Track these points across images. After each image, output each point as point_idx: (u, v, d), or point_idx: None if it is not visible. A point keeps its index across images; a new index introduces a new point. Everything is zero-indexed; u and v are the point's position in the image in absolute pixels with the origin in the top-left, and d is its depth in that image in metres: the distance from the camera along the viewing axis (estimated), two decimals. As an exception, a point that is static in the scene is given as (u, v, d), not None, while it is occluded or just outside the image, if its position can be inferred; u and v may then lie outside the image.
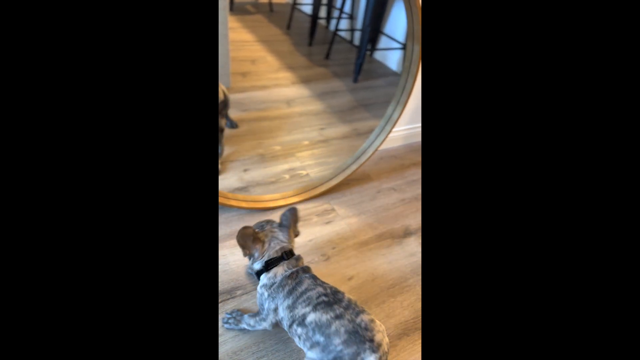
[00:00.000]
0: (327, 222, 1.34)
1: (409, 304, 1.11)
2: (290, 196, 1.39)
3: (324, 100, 2.11)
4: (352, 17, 3.05)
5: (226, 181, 1.44)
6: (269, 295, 0.85)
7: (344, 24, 3.24)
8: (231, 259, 1.15)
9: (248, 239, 0.85)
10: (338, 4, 3.10)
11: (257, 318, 0.90)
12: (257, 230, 0.88)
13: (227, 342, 0.95)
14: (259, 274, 0.88)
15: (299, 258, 0.88)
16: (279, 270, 0.85)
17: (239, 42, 2.80)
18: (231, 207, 1.28)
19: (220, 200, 1.24)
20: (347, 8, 3.11)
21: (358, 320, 0.75)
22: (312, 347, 0.78)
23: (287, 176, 1.52)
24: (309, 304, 0.79)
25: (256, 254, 0.87)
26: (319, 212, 1.38)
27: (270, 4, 3.72)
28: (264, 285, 0.86)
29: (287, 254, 0.87)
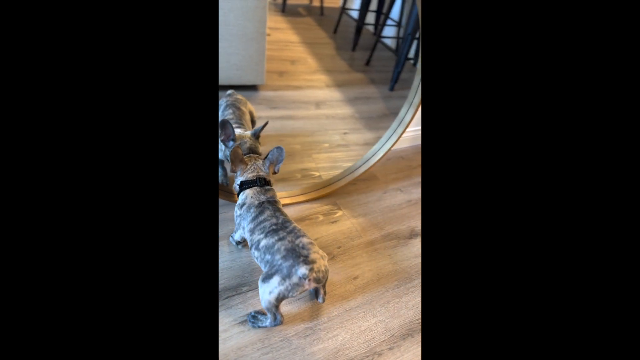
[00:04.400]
0: (333, 222, 1.36)
1: (414, 305, 1.11)
2: (298, 195, 1.41)
3: (354, 105, 2.12)
4: (399, 24, 3.03)
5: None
6: (240, 214, 1.04)
7: (391, 31, 3.23)
8: (237, 256, 1.17)
9: (238, 157, 1.04)
10: (385, 10, 3.09)
11: (236, 232, 1.12)
12: (245, 155, 1.09)
13: (232, 337, 0.96)
14: (239, 194, 1.07)
15: (269, 189, 1.05)
16: (249, 193, 1.03)
17: (284, 43, 2.85)
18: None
19: (227, 197, 1.28)
20: (396, 15, 3.10)
21: (297, 241, 0.92)
22: (265, 264, 0.94)
23: (299, 175, 1.54)
24: (262, 232, 0.96)
25: (239, 172, 1.07)
26: (325, 212, 1.40)
27: (322, 8, 3.77)
28: (238, 205, 1.06)
29: (261, 181, 1.05)
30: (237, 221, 1.06)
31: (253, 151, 1.21)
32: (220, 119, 1.40)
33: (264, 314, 1.00)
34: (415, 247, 1.31)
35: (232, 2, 1.65)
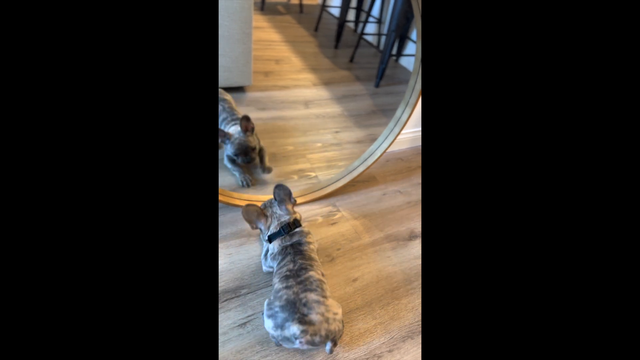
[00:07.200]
0: (333, 224, 1.35)
1: (414, 307, 1.11)
2: (297, 196, 1.39)
3: (342, 103, 2.12)
4: (380, 21, 3.05)
5: (234, 178, 1.46)
6: (271, 260, 1.04)
7: (372, 28, 3.24)
8: (237, 258, 1.16)
9: (252, 215, 1.04)
10: (366, 7, 3.10)
11: (265, 261, 1.09)
12: (262, 207, 1.07)
13: (232, 340, 0.95)
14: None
15: (294, 234, 1.03)
16: (276, 243, 1.02)
17: (266, 42, 2.84)
18: (236, 206, 1.30)
19: (226, 199, 1.26)
20: (376, 12, 3.11)
21: (302, 295, 0.86)
22: (267, 302, 0.91)
23: (295, 177, 1.53)
24: (279, 277, 0.94)
25: (262, 228, 1.05)
26: (325, 214, 1.39)
27: (301, 5, 3.77)
28: (269, 252, 1.05)
29: (285, 228, 1.03)
30: (268, 263, 1.06)
31: (245, 147, 1.26)
32: None
33: None
34: (415, 248, 1.31)
35: (217, 2, 1.62)
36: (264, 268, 1.11)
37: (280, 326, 0.84)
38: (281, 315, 0.84)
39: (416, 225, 1.41)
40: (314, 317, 0.83)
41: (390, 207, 1.48)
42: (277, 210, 1.06)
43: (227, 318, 1.00)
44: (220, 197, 1.24)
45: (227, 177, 1.45)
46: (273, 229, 1.04)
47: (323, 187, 1.45)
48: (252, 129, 1.40)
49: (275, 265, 1.00)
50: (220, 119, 1.50)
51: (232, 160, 1.45)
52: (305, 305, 0.84)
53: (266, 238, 1.05)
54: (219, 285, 1.08)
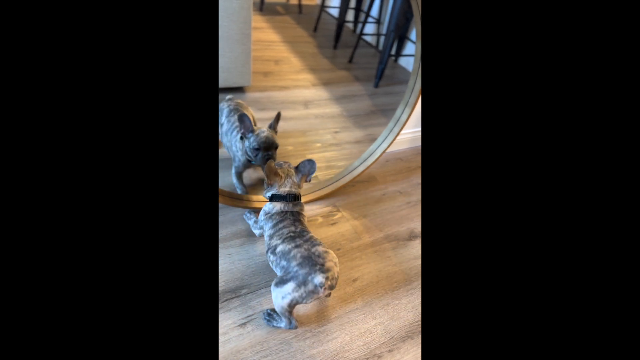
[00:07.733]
0: (333, 224, 1.35)
1: (413, 307, 1.11)
2: (296, 196, 1.40)
3: (341, 103, 2.12)
4: (379, 21, 3.05)
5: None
6: (264, 218, 1.09)
7: (371, 28, 3.24)
8: (236, 258, 1.16)
9: (271, 171, 1.07)
10: (365, 7, 3.10)
11: (256, 225, 1.17)
12: (276, 166, 1.11)
13: (231, 340, 0.95)
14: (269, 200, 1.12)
15: (297, 204, 1.08)
16: (277, 205, 1.07)
17: (265, 42, 2.84)
18: (236, 207, 1.30)
19: (226, 200, 1.26)
20: (375, 12, 3.11)
21: (313, 249, 0.94)
22: (280, 269, 0.97)
23: (295, 177, 1.53)
24: (280, 238, 0.99)
25: (275, 185, 1.09)
26: (325, 214, 1.39)
27: (300, 6, 3.76)
28: (264, 210, 1.10)
29: (290, 197, 1.07)
30: (261, 224, 1.11)
31: (270, 142, 1.25)
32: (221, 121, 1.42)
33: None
34: (415, 248, 1.31)
35: (216, 3, 1.61)
36: (257, 232, 1.17)
37: (303, 282, 0.90)
38: (302, 272, 0.90)
39: (416, 225, 1.41)
40: (329, 264, 0.91)
41: (390, 207, 1.48)
42: (294, 177, 1.11)
43: (227, 318, 1.00)
44: (221, 198, 1.24)
45: (227, 178, 1.45)
46: (282, 191, 1.08)
47: (323, 187, 1.45)
48: (276, 132, 1.35)
49: (267, 225, 1.06)
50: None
51: (239, 176, 1.41)
52: (319, 256, 0.92)
53: (267, 196, 1.10)
54: (219, 285, 1.08)
